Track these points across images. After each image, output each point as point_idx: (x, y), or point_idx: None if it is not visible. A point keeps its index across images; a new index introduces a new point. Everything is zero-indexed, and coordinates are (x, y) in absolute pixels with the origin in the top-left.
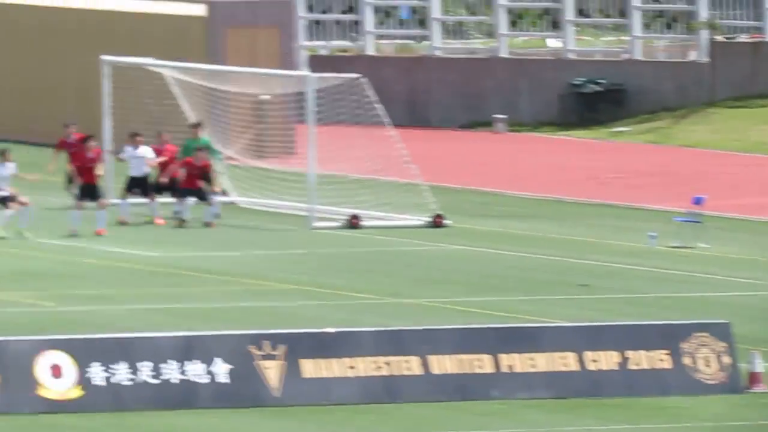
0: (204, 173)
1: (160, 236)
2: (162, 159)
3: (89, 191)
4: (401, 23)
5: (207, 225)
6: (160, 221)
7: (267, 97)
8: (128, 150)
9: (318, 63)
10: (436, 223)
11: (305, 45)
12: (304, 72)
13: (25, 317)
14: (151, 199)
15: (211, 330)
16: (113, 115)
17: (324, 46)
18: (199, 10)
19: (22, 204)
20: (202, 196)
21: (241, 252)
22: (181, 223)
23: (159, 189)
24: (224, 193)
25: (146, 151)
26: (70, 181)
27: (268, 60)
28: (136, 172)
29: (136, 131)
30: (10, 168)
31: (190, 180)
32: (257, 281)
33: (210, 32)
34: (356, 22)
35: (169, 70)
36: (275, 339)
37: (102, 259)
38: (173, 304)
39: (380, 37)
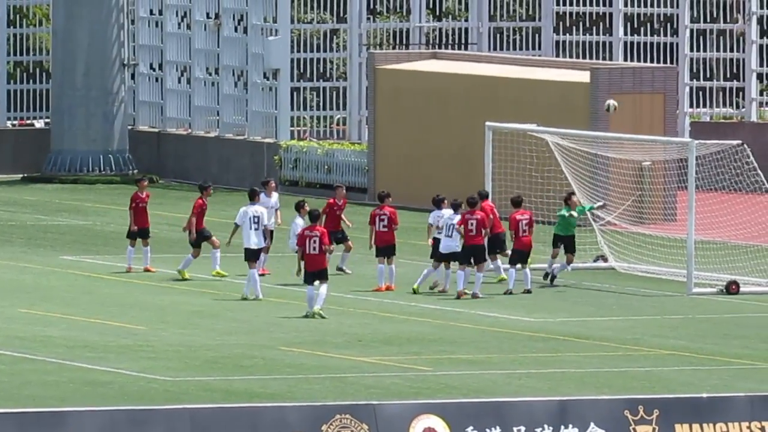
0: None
1: (537, 301)
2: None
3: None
4: None
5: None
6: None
7: (648, 163)
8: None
9: (700, 129)
10: None
11: (688, 112)
12: (687, 139)
13: (401, 381)
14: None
15: (585, 395)
16: (495, 181)
17: (707, 113)
18: (583, 76)
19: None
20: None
21: (618, 317)
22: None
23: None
24: (603, 258)
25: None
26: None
27: (651, 126)
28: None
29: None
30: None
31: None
32: (634, 346)
33: (593, 98)
34: (740, 90)
35: (551, 136)
36: (650, 404)
37: (478, 324)
38: (548, 368)
39: (764, 103)
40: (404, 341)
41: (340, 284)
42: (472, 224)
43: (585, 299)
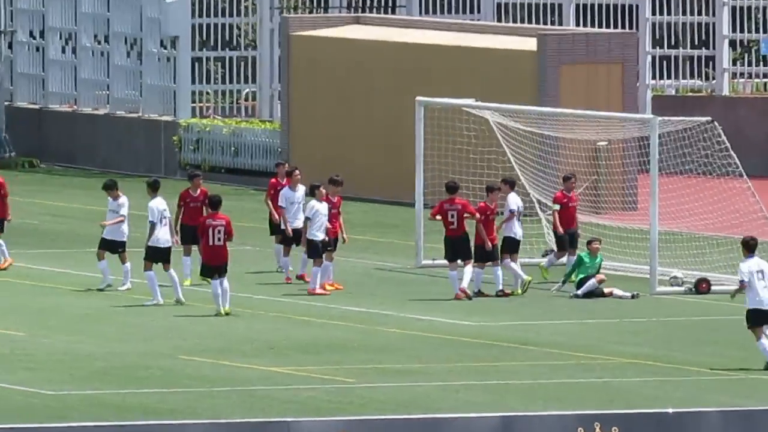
0: None
1: (477, 303)
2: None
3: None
4: (764, 60)
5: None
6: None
7: (604, 143)
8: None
9: (664, 104)
10: None
11: (650, 84)
12: (648, 115)
13: (320, 395)
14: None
15: (533, 410)
16: (426, 163)
17: (672, 86)
18: (530, 44)
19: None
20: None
21: (571, 321)
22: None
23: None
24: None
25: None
26: None
27: (608, 101)
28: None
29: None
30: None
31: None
32: (589, 354)
33: (541, 70)
34: (710, 59)
35: (492, 113)
36: (608, 420)
37: (407, 329)
38: (490, 379)
39: (737, 75)
40: (323, 348)
41: (248, 284)
42: (452, 215)
43: (531, 300)
